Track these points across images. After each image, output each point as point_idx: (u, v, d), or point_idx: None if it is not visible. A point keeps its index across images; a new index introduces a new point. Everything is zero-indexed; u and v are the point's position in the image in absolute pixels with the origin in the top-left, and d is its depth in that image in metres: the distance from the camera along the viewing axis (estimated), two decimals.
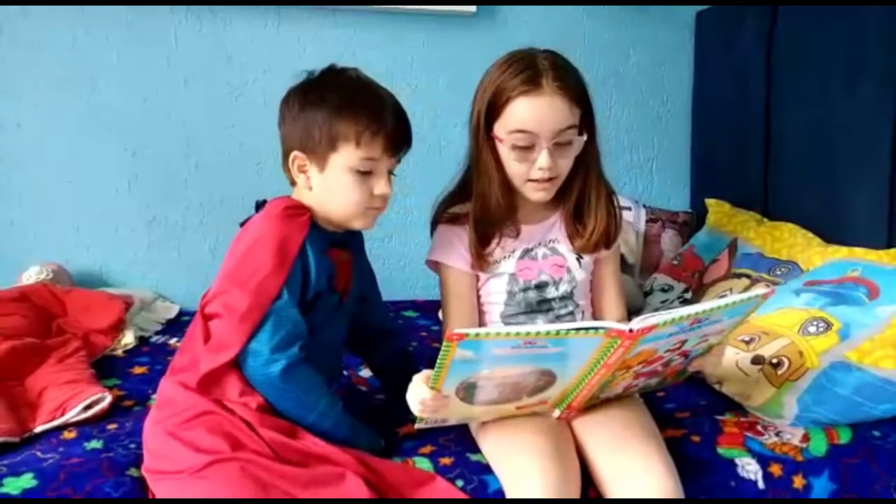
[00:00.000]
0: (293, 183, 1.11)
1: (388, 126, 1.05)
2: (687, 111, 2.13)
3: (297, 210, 1.07)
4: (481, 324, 1.22)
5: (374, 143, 1.04)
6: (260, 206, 1.11)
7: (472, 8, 1.93)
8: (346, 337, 1.20)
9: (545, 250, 1.22)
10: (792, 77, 1.69)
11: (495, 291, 1.22)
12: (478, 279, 1.22)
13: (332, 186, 1.06)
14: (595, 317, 1.28)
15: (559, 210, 1.23)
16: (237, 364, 1.01)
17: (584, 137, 1.14)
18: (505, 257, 1.21)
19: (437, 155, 2.02)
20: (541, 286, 1.21)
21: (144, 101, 1.87)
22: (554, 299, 1.22)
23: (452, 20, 1.96)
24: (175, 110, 1.89)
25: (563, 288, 1.22)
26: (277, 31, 1.90)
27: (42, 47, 1.81)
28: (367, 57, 1.92)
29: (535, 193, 1.16)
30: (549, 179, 1.14)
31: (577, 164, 1.17)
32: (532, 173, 1.13)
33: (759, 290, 1.02)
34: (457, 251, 1.20)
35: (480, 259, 1.18)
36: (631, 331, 0.90)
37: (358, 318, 1.20)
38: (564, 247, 1.22)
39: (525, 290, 1.21)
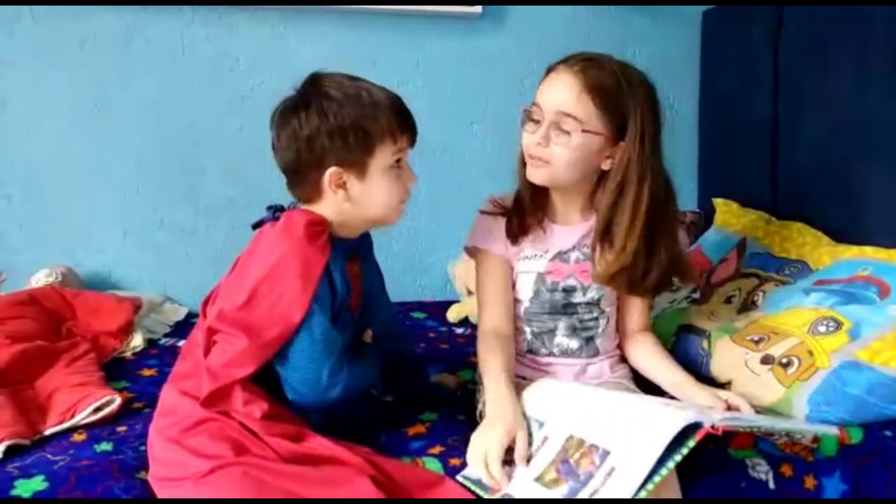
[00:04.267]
0: (308, 201, 1.07)
1: (405, 114, 1.07)
2: (694, 110, 2.13)
3: (318, 227, 1.04)
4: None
5: (403, 135, 1.06)
6: (275, 211, 1.09)
7: (478, 8, 1.93)
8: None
9: (579, 254, 1.22)
10: (800, 75, 1.68)
11: (523, 288, 1.23)
12: (512, 270, 1.23)
13: (373, 190, 1.05)
14: (619, 323, 1.29)
15: (594, 217, 1.22)
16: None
17: (586, 137, 1.13)
18: (537, 255, 1.22)
19: (443, 156, 2.02)
20: (568, 290, 1.21)
21: (153, 105, 1.88)
22: (580, 304, 1.22)
23: (458, 21, 1.96)
24: (183, 113, 1.89)
25: (591, 294, 1.22)
26: (283, 34, 1.90)
27: (50, 52, 1.82)
28: (373, 58, 1.92)
29: (528, 170, 1.18)
30: (542, 161, 1.15)
31: (611, 177, 1.16)
32: (529, 148, 1.16)
33: (834, 430, 1.04)
34: (495, 236, 1.22)
35: (513, 235, 1.21)
36: (714, 427, 0.88)
37: (363, 321, 1.20)
38: (597, 255, 1.21)
39: (552, 290, 1.21)
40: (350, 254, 1.11)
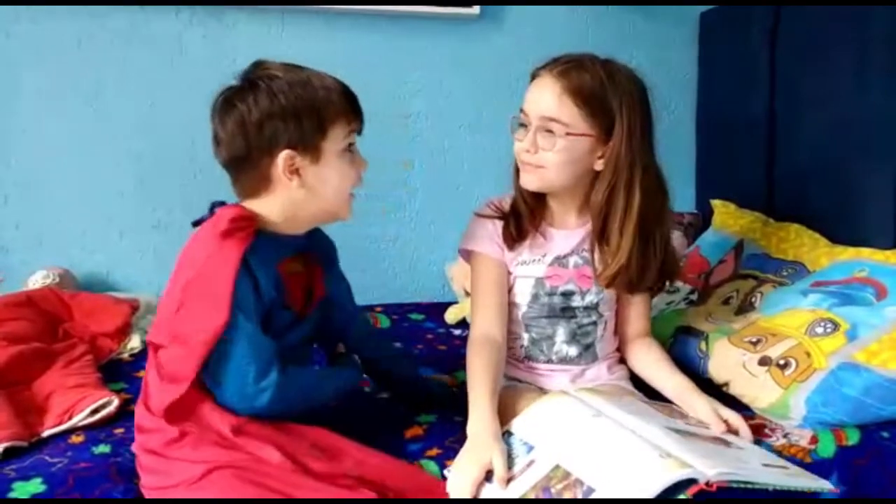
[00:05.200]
0: (254, 194, 1.02)
1: (354, 98, 1.04)
2: (692, 111, 2.13)
3: (240, 223, 0.98)
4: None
5: (354, 118, 1.03)
6: (213, 207, 1.05)
7: (476, 9, 1.93)
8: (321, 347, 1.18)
9: (577, 258, 1.22)
10: (797, 76, 1.68)
11: (520, 292, 1.22)
12: (509, 275, 1.22)
13: (328, 175, 1.01)
14: (619, 328, 1.28)
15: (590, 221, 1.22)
16: (203, 391, 0.97)
17: (572, 139, 1.12)
18: (535, 260, 1.21)
19: (441, 157, 2.02)
20: (567, 294, 1.21)
21: (150, 106, 1.88)
22: (578, 308, 1.22)
23: (456, 22, 1.96)
24: (180, 114, 1.89)
25: (590, 298, 1.22)
26: (281, 35, 1.90)
27: (47, 51, 1.81)
28: (371, 59, 1.92)
29: (521, 176, 1.19)
30: (533, 167, 1.15)
31: (602, 177, 1.16)
32: (520, 155, 1.17)
33: (829, 485, 1.02)
34: (490, 238, 1.22)
35: (510, 239, 1.20)
36: (708, 484, 0.88)
37: (331, 328, 1.17)
38: (597, 257, 1.21)
39: (550, 294, 1.21)
40: (288, 252, 1.06)
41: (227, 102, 1.00)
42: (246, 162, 1.00)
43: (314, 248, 1.13)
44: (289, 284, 1.05)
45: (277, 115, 0.97)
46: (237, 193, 1.05)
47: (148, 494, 0.97)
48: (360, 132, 1.06)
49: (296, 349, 1.08)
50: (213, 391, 0.97)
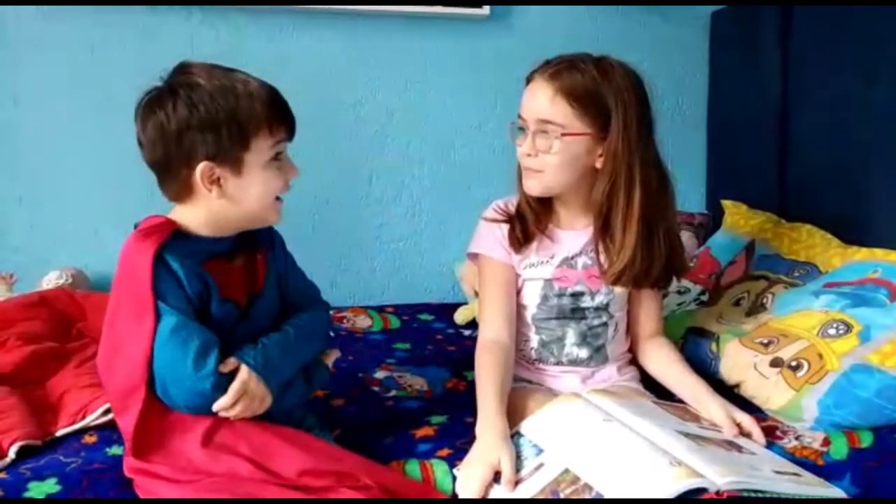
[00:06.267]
0: (178, 199, 1.01)
1: (281, 105, 1.01)
2: (703, 111, 2.12)
3: (153, 228, 0.98)
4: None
5: (280, 127, 1.00)
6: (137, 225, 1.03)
7: (486, 10, 1.93)
8: None
9: (586, 259, 1.22)
10: (809, 76, 1.68)
11: (529, 294, 1.22)
12: (517, 278, 1.22)
13: (251, 186, 0.98)
14: (632, 328, 1.28)
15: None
16: (160, 410, 0.94)
17: (568, 140, 1.12)
18: (543, 262, 1.21)
19: (451, 157, 2.02)
20: (576, 294, 1.21)
21: None
22: (588, 308, 1.22)
23: (465, 22, 1.96)
24: None
25: (600, 299, 1.22)
26: (292, 36, 1.90)
27: (59, 52, 1.83)
28: (381, 60, 1.93)
29: (524, 181, 1.19)
30: (534, 170, 1.16)
31: (602, 175, 1.15)
32: (521, 159, 1.17)
33: (841, 492, 1.00)
34: (496, 241, 1.22)
35: (516, 243, 1.20)
36: (718, 493, 0.88)
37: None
38: (602, 255, 1.21)
39: (560, 296, 1.21)
40: (214, 252, 1.03)
41: (148, 108, 0.98)
42: (166, 170, 0.99)
43: (255, 242, 1.09)
44: (225, 280, 1.02)
45: (195, 126, 0.95)
46: (165, 196, 1.04)
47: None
48: (289, 140, 1.03)
49: (247, 343, 1.03)
50: (156, 389, 0.94)
